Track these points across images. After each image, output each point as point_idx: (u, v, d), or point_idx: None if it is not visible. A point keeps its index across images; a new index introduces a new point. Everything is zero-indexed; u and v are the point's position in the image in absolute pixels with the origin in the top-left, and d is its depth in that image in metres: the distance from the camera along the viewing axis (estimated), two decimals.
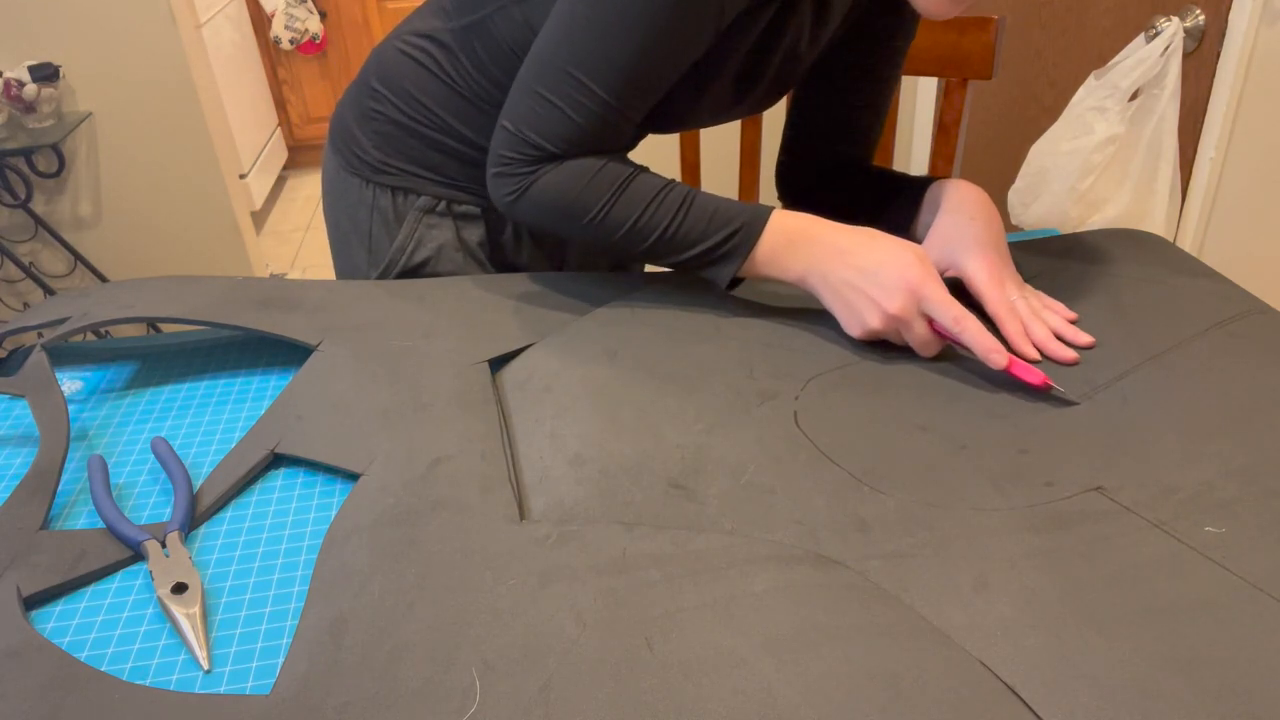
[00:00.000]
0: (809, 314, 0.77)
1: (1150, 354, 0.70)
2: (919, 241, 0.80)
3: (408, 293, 0.81)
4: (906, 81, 2.24)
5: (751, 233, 0.73)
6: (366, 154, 0.91)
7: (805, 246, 0.72)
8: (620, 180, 0.74)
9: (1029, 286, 0.76)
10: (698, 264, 0.75)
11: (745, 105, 0.85)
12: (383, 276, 0.92)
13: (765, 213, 0.74)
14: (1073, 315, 0.75)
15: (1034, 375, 0.66)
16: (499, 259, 0.95)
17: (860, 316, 0.70)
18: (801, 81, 0.95)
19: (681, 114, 0.81)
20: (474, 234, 0.92)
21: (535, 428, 0.64)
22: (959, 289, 0.75)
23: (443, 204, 0.91)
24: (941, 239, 0.77)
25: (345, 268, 0.97)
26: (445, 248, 0.91)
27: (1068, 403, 0.65)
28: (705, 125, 0.87)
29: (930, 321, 0.69)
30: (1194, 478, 0.58)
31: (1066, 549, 0.52)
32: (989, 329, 0.70)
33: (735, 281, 0.77)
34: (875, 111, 0.94)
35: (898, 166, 2.02)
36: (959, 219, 0.76)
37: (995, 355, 0.66)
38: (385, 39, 0.92)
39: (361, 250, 0.94)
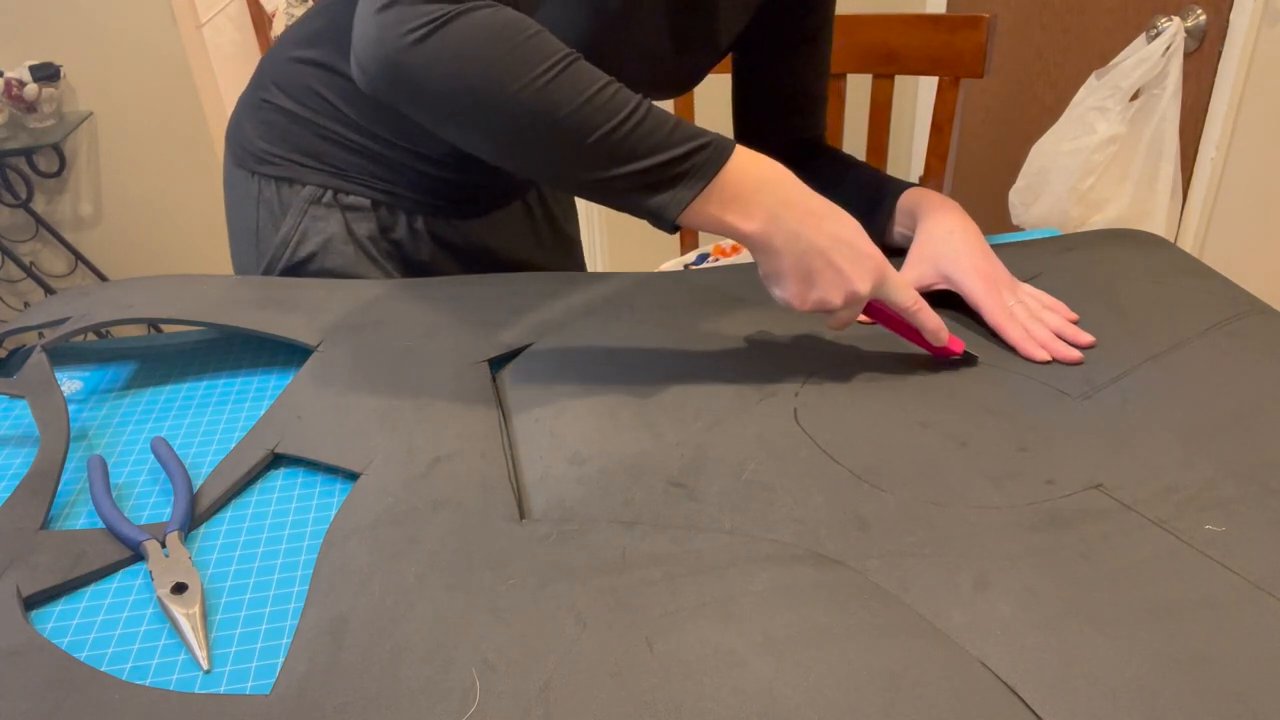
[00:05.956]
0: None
1: (1150, 354, 0.70)
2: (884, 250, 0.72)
3: (408, 293, 0.81)
4: (902, 80, 2.24)
5: (720, 154, 0.62)
6: (252, 144, 0.87)
7: (774, 197, 0.63)
8: (563, 53, 0.60)
9: (1027, 286, 0.76)
10: (645, 184, 0.61)
11: (682, 56, 0.81)
12: (267, 273, 0.87)
13: (732, 142, 0.63)
14: (1074, 316, 0.75)
15: (957, 344, 0.70)
16: (398, 256, 0.89)
17: (820, 289, 0.64)
18: (739, 59, 0.94)
19: (615, 38, 0.73)
20: (364, 227, 0.86)
21: (535, 427, 0.64)
22: (955, 301, 0.75)
23: (329, 194, 0.85)
24: (927, 253, 0.76)
25: (240, 268, 0.92)
26: (333, 240, 0.85)
27: (973, 363, 0.70)
28: (638, 73, 0.73)
29: (872, 302, 0.68)
30: (1194, 476, 0.58)
31: (1067, 547, 0.52)
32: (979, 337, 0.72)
33: (675, 227, 0.63)
34: (818, 76, 0.94)
35: (891, 166, 2.01)
36: (939, 232, 0.77)
37: (942, 333, 0.68)
38: (272, 51, 0.88)
39: (250, 248, 0.88)
